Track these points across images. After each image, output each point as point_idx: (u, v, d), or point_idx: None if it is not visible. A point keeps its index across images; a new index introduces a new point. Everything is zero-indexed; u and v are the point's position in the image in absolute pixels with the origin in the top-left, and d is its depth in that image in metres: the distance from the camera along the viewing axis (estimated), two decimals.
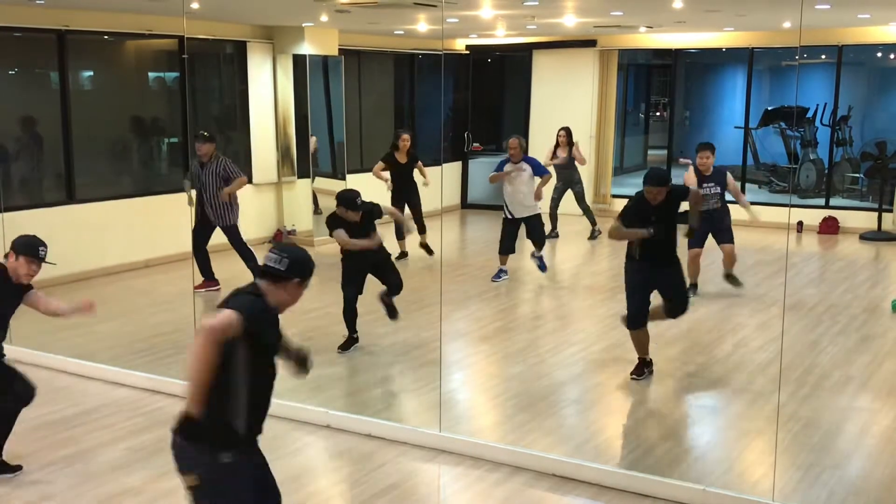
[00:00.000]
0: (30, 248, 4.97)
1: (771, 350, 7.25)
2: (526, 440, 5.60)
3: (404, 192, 10.62)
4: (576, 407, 6.33)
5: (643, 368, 6.74)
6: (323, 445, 5.59)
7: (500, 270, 9.83)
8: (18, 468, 5.14)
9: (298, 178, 12.38)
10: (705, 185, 8.90)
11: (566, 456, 5.29)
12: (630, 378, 6.67)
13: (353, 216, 7.07)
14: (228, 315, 3.22)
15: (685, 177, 9.17)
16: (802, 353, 7.25)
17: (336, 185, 12.53)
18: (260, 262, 3.52)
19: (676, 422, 6.08)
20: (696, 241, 8.96)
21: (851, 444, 5.56)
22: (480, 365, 7.26)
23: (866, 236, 12.55)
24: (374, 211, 7.26)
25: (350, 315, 7.32)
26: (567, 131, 11.95)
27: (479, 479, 5.11)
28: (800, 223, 13.03)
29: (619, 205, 12.80)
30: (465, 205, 15.50)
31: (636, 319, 6.65)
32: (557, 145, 11.98)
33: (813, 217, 13.08)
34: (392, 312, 7.51)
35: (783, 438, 5.45)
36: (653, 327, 7.99)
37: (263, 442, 5.62)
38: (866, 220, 12.92)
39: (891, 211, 12.79)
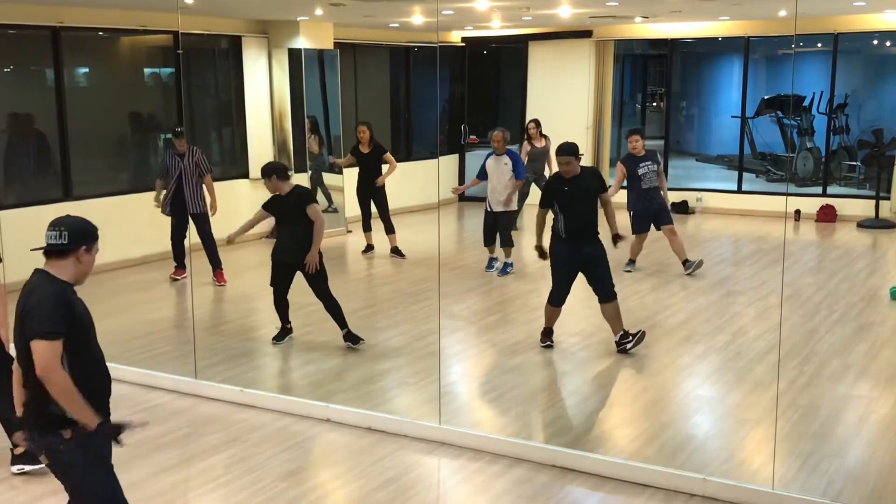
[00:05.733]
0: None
1: (769, 339, 7.26)
2: (526, 432, 5.61)
3: (369, 187, 10.44)
4: (575, 398, 6.34)
5: (547, 337, 7.23)
6: (323, 439, 5.59)
7: (491, 259, 9.89)
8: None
9: (295, 172, 12.36)
10: (642, 164, 9.36)
11: (566, 447, 5.29)
12: (540, 345, 7.14)
13: (282, 186, 7.04)
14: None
15: (617, 177, 9.57)
16: (801, 341, 7.26)
17: (333, 179, 12.55)
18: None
19: (676, 411, 6.08)
20: (640, 227, 9.33)
21: (850, 432, 5.57)
22: (479, 357, 7.27)
23: (864, 224, 12.56)
24: (306, 195, 7.22)
25: (280, 306, 7.33)
26: (536, 123, 11.78)
27: (479, 471, 5.12)
28: (797, 212, 13.04)
29: (617, 196, 12.88)
30: (462, 197, 15.44)
31: (555, 298, 7.06)
32: (530, 137, 11.78)
33: (810, 205, 13.08)
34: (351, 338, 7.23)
35: (782, 427, 5.46)
36: (651, 317, 8.02)
37: (264, 436, 5.63)
38: (864, 208, 12.93)
39: (888, 198, 12.79)
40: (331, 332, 7.39)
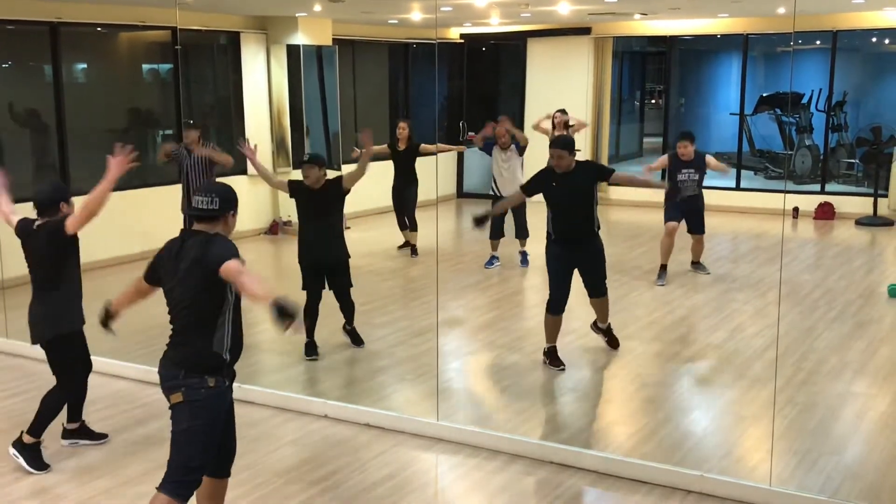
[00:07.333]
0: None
1: (767, 336, 7.26)
2: (523, 428, 5.61)
3: (403, 182, 10.47)
4: (573, 394, 6.34)
5: (554, 359, 6.66)
6: (321, 435, 5.59)
7: (493, 257, 9.91)
8: (104, 436, 5.51)
9: (294, 168, 12.36)
10: (685, 170, 8.99)
11: (564, 443, 5.30)
12: (552, 368, 6.61)
13: (316, 174, 6.90)
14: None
15: (659, 161, 9.21)
16: (799, 338, 7.26)
17: (331, 176, 12.54)
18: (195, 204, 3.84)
19: (673, 408, 6.09)
20: (673, 216, 9.05)
21: (848, 429, 5.57)
22: (477, 354, 7.27)
23: (862, 222, 12.56)
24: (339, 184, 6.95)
25: (311, 316, 6.92)
26: (563, 113, 11.82)
27: (477, 467, 5.12)
28: (795, 209, 13.04)
29: (614, 192, 12.75)
30: (461, 194, 15.48)
31: (553, 305, 6.58)
32: (553, 126, 11.81)
33: (808, 203, 13.09)
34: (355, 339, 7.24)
35: (780, 424, 5.46)
36: (649, 314, 8.03)
37: (261, 432, 5.63)
38: (862, 206, 12.93)
39: (886, 196, 12.80)
40: (329, 328, 7.39)
